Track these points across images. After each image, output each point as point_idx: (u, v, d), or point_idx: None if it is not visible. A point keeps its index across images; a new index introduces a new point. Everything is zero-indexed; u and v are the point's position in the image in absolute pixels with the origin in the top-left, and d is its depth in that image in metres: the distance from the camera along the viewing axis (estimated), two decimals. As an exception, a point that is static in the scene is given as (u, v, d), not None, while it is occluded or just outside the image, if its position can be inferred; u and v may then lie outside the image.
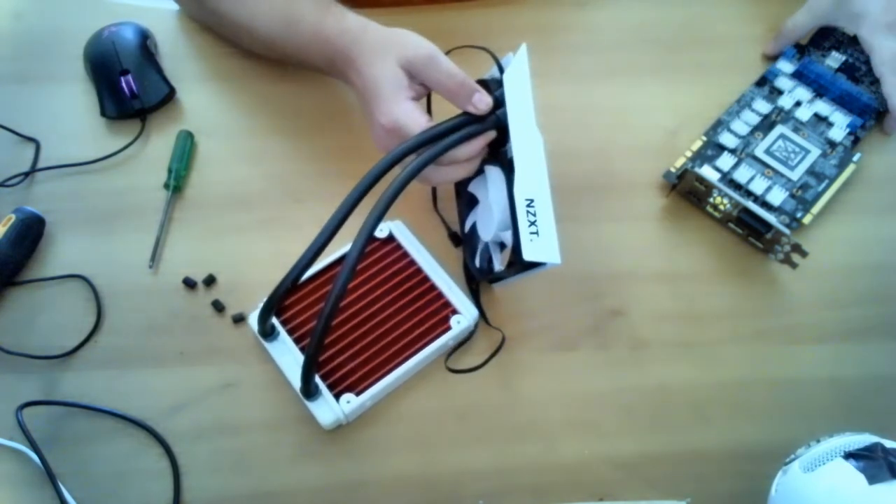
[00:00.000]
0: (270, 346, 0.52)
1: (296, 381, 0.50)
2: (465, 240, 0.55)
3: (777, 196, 0.59)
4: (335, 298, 0.43)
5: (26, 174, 0.59)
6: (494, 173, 0.51)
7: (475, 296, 0.54)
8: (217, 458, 0.50)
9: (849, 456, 0.41)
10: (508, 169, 0.49)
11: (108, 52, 0.62)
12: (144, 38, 0.64)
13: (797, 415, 0.52)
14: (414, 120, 0.49)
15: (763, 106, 0.63)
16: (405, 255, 0.55)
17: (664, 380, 0.53)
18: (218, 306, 0.54)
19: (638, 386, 0.53)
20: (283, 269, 0.46)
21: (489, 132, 0.50)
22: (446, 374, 0.52)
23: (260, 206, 0.58)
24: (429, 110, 0.54)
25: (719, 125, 0.63)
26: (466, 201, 0.55)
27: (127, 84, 0.61)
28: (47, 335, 0.53)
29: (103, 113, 0.61)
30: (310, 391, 0.48)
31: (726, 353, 0.54)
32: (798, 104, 0.63)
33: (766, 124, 0.63)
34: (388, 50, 0.51)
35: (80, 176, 0.59)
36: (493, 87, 0.51)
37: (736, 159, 0.61)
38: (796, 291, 0.57)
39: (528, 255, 0.45)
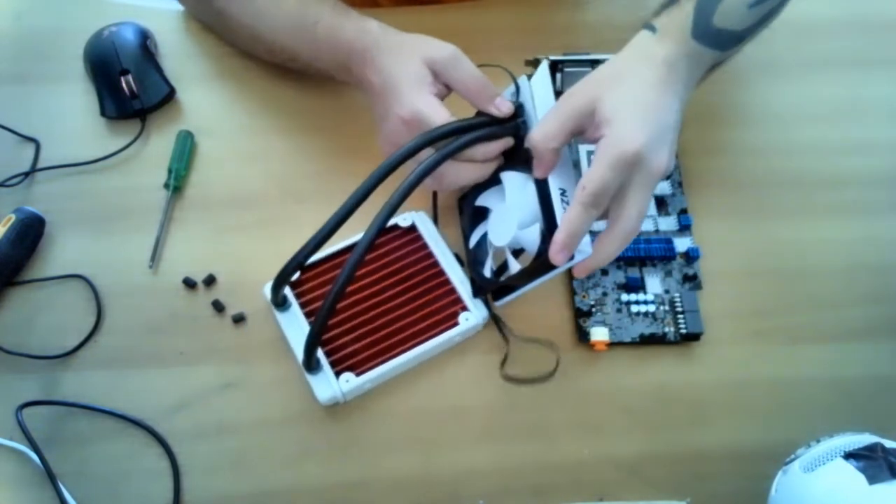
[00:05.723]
0: (281, 316, 0.52)
1: (300, 352, 0.50)
2: (470, 254, 0.55)
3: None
4: (343, 281, 0.44)
5: (26, 174, 0.59)
6: (513, 178, 0.51)
7: (488, 308, 0.54)
8: (217, 458, 0.50)
9: (849, 456, 0.41)
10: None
11: (108, 52, 0.62)
12: (144, 38, 0.64)
13: (797, 415, 0.52)
14: (436, 111, 0.49)
15: None
16: (424, 246, 0.55)
17: (664, 380, 0.53)
18: (218, 306, 0.54)
19: (638, 386, 0.53)
20: (283, 269, 0.46)
21: (507, 138, 0.51)
22: (446, 374, 0.53)
23: (260, 206, 0.58)
24: None
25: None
26: (472, 216, 0.55)
27: (127, 84, 0.61)
28: (47, 335, 0.53)
29: (103, 113, 0.61)
30: (311, 365, 0.49)
31: (726, 353, 0.54)
32: None
33: None
34: (411, 49, 0.52)
35: (80, 176, 0.59)
36: None
37: None
38: (795, 292, 0.57)
39: None
